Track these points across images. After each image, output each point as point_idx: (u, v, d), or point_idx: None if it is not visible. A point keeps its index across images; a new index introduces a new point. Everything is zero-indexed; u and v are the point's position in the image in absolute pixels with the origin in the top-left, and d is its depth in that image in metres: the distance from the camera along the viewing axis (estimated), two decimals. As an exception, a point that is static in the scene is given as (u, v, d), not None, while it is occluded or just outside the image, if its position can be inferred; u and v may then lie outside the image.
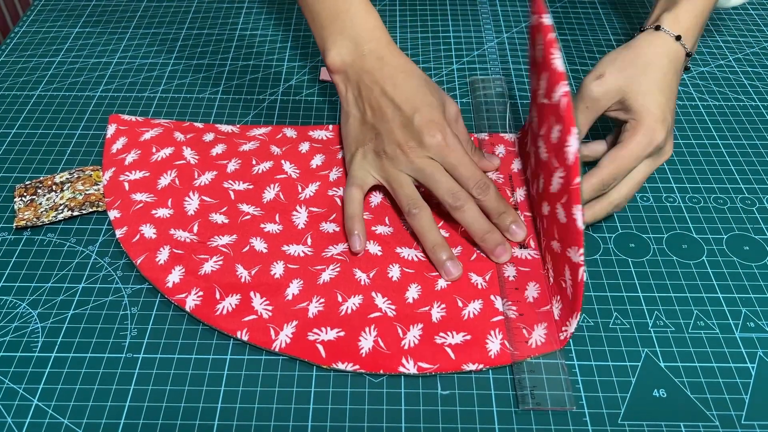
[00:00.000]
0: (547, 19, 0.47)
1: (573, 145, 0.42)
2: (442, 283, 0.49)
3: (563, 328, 0.45)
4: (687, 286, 0.50)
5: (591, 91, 0.52)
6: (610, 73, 0.52)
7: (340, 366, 0.44)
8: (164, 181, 0.56)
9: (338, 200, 0.55)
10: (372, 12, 0.55)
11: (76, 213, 0.54)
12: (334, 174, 0.57)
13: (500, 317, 0.47)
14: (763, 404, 0.43)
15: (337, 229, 0.53)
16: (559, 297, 0.46)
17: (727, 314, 0.48)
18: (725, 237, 0.53)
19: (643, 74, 0.52)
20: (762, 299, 0.49)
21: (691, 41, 0.55)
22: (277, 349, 0.45)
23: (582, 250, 0.42)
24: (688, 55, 0.55)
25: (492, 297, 0.48)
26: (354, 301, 0.48)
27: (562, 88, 0.44)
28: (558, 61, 0.45)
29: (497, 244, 0.50)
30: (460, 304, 0.48)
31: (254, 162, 0.58)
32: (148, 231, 0.52)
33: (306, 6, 0.56)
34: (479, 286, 0.49)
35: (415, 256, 0.51)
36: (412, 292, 0.48)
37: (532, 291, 0.48)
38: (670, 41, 0.53)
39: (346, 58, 0.55)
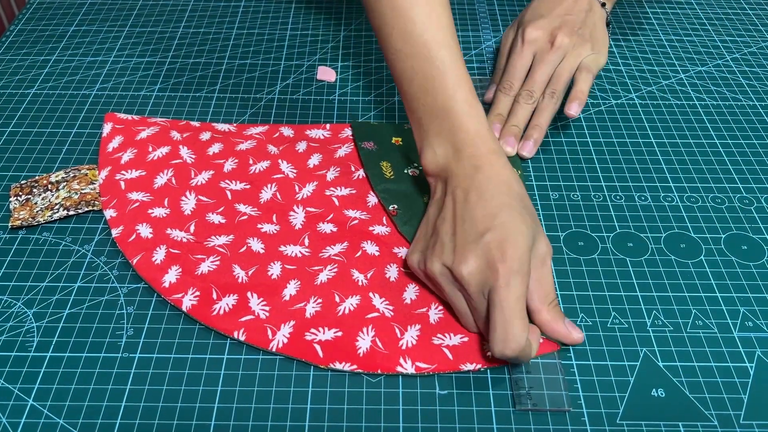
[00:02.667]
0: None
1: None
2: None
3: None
4: (685, 285, 0.50)
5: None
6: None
7: (338, 366, 0.44)
8: (160, 180, 0.56)
9: (336, 200, 0.55)
10: (476, 113, 0.49)
11: (71, 212, 0.54)
12: (332, 174, 0.57)
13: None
14: (762, 404, 0.43)
15: (335, 229, 0.53)
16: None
17: (725, 314, 0.48)
18: (723, 236, 0.53)
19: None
20: (760, 299, 0.49)
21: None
22: (274, 350, 0.45)
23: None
24: (602, 5, 0.64)
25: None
26: (351, 302, 0.47)
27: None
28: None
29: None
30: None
31: (251, 161, 0.58)
32: (145, 230, 0.52)
33: (406, 99, 0.51)
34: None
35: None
36: (410, 293, 0.48)
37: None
38: None
39: (441, 160, 0.49)
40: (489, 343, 0.42)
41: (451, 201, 0.47)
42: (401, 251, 0.51)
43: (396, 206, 0.54)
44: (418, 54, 0.50)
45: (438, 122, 0.49)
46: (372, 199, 0.55)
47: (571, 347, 0.46)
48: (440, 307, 0.47)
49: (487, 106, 0.63)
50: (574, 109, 0.58)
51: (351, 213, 0.54)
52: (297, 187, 0.56)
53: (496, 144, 0.49)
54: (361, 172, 0.57)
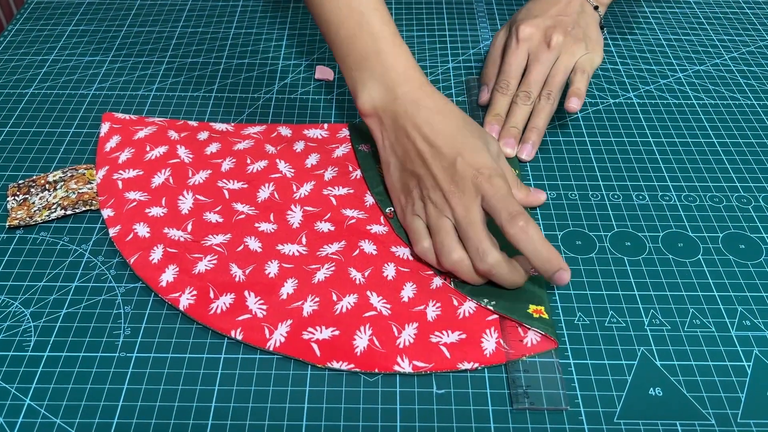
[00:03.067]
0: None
1: None
2: (437, 282, 0.49)
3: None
4: (683, 284, 0.50)
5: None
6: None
7: (335, 365, 0.44)
8: (158, 179, 0.56)
9: (333, 200, 0.55)
10: (403, 52, 0.53)
11: (69, 212, 0.54)
12: (329, 173, 0.57)
13: (495, 316, 0.47)
14: (759, 402, 0.43)
15: (332, 228, 0.53)
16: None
17: (723, 313, 0.48)
18: (721, 235, 0.53)
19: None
20: (758, 297, 0.49)
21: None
22: (271, 349, 0.45)
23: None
24: (595, 8, 0.65)
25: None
26: (349, 300, 0.47)
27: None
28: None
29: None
30: (455, 303, 0.47)
31: (249, 161, 0.58)
32: (142, 230, 0.52)
33: (335, 47, 0.55)
34: (475, 285, 0.49)
35: (410, 255, 0.51)
36: (408, 291, 0.48)
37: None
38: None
39: (377, 102, 0.53)
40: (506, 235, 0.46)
41: (408, 140, 0.52)
42: (399, 250, 0.51)
43: (392, 209, 0.54)
44: (343, 3, 0.54)
45: (369, 65, 0.53)
46: (369, 199, 0.55)
47: (568, 346, 0.46)
48: (438, 304, 0.47)
49: (474, 104, 0.63)
50: (574, 103, 0.59)
51: (348, 212, 0.54)
52: (294, 187, 0.56)
53: (423, 77, 0.53)
54: (358, 172, 0.57)
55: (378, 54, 0.53)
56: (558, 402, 0.42)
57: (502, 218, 0.46)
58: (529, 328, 0.46)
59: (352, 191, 0.56)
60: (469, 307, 0.47)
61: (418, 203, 0.51)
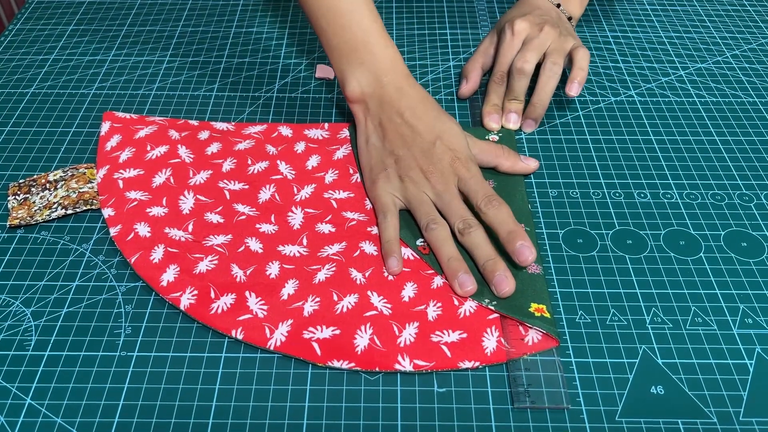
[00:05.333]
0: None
1: None
2: (438, 281, 0.49)
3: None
4: (684, 282, 0.50)
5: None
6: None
7: (336, 364, 0.44)
8: (159, 179, 0.56)
9: (334, 203, 0.55)
10: (390, 45, 0.57)
11: (69, 211, 0.54)
12: (330, 176, 0.57)
13: (496, 315, 0.47)
14: (761, 401, 0.42)
15: (333, 230, 0.53)
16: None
17: (724, 311, 0.48)
18: (723, 233, 0.53)
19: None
20: (760, 296, 0.49)
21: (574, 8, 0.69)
22: (272, 348, 0.45)
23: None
24: (569, 18, 0.68)
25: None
26: (349, 300, 0.47)
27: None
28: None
29: (495, 272, 0.47)
30: (456, 302, 0.47)
31: (249, 162, 0.58)
32: (143, 229, 0.52)
33: (325, 38, 0.58)
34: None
35: (411, 254, 0.51)
36: (408, 291, 0.48)
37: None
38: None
39: (366, 89, 0.56)
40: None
41: (390, 123, 0.55)
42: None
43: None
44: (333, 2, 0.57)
45: (358, 55, 0.56)
46: (369, 202, 0.55)
47: (569, 345, 0.45)
48: (439, 304, 0.47)
49: (462, 102, 0.63)
50: (574, 90, 0.61)
51: (349, 215, 0.54)
52: (295, 189, 0.56)
53: (407, 70, 0.57)
54: (358, 176, 0.57)
55: (366, 45, 0.56)
56: (559, 401, 0.42)
57: (479, 199, 0.50)
58: (530, 327, 0.46)
59: (352, 195, 0.56)
60: (469, 306, 0.47)
61: (395, 181, 0.53)
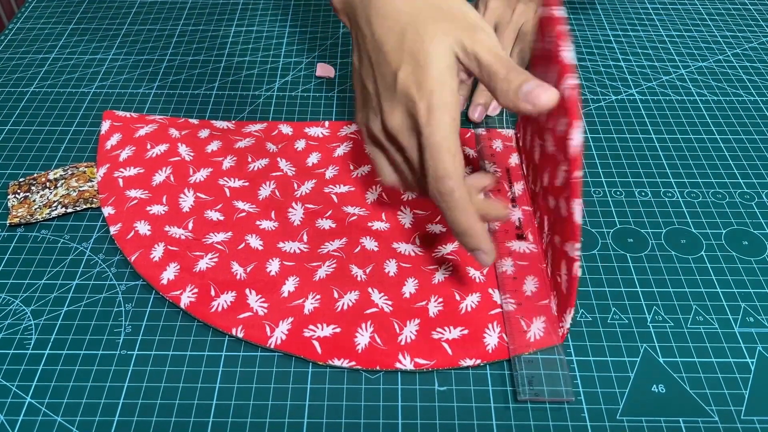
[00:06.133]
0: (558, 12, 0.46)
1: (576, 139, 0.42)
2: (439, 277, 0.49)
3: (560, 324, 0.45)
4: (686, 281, 0.49)
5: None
6: None
7: (336, 362, 0.44)
8: (159, 177, 0.56)
9: (334, 197, 0.55)
10: None
11: (70, 210, 0.54)
12: (330, 172, 0.57)
13: (498, 310, 0.46)
14: (763, 399, 0.42)
15: (333, 225, 0.52)
16: (555, 293, 0.46)
17: (726, 309, 0.48)
18: (724, 232, 0.53)
19: None
20: (761, 294, 0.49)
21: None
22: (272, 346, 0.45)
23: (578, 245, 0.42)
24: None
25: (490, 290, 0.48)
26: (350, 297, 0.47)
27: (570, 81, 0.43)
28: (567, 54, 0.44)
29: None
30: (457, 297, 0.47)
31: (250, 159, 0.58)
32: (143, 228, 0.52)
33: None
34: (477, 280, 0.48)
35: (412, 250, 0.51)
36: (409, 287, 0.48)
37: (530, 285, 0.48)
38: None
39: None
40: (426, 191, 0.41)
41: (362, 39, 0.42)
42: (400, 246, 0.51)
43: None
44: None
45: None
46: (371, 196, 0.55)
47: (571, 343, 0.45)
48: (440, 300, 0.47)
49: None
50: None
51: (350, 209, 0.54)
52: (296, 185, 0.56)
53: None
54: (360, 171, 0.57)
55: None
56: (562, 396, 0.42)
57: (428, 175, 0.39)
58: (532, 322, 0.45)
59: (353, 189, 0.55)
60: (471, 301, 0.47)
61: (374, 123, 0.43)
